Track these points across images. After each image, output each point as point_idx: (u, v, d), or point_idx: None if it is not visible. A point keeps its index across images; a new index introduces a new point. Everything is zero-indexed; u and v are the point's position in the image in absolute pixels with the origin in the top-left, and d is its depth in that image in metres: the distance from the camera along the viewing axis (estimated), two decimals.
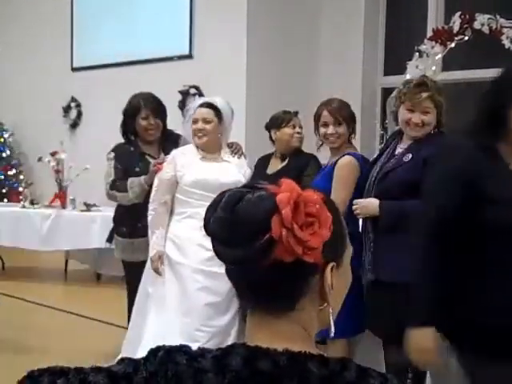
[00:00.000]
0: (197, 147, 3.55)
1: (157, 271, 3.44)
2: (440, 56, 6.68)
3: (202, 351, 0.97)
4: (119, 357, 3.46)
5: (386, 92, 6.99)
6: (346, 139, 3.27)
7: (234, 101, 6.20)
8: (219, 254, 0.99)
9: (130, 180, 3.68)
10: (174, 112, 6.67)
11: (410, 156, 2.93)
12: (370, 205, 2.96)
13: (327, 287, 0.99)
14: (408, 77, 6.68)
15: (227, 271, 1.01)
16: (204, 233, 3.00)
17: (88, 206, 6.15)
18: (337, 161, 3.21)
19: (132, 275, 3.78)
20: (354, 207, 3.01)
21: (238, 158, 3.65)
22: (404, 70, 6.76)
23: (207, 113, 3.50)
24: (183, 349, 0.98)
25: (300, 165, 3.54)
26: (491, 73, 7.02)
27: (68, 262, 6.90)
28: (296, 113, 3.77)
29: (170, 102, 6.67)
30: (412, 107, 2.93)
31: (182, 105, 7.13)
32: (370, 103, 7.13)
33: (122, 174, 3.76)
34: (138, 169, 3.76)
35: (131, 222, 3.79)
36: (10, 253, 6.75)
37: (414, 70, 6.66)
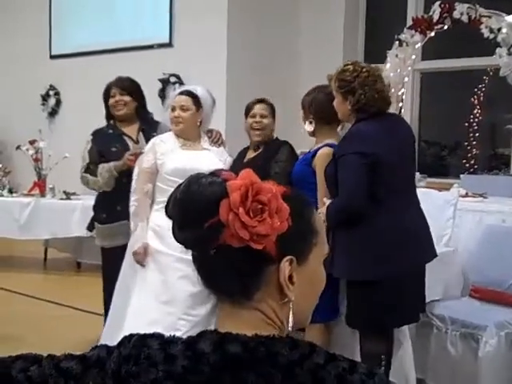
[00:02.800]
0: (176, 135, 3.53)
1: (141, 263, 3.42)
2: (420, 45, 6.71)
3: (174, 338, 0.98)
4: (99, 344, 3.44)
5: None
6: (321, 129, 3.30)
7: (214, 89, 6.18)
8: (174, 235, 1.00)
9: (101, 165, 3.68)
10: (155, 100, 6.64)
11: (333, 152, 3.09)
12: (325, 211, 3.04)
13: (283, 280, 0.99)
14: (388, 66, 6.72)
15: (191, 256, 1.02)
16: None
17: (68, 195, 6.11)
18: (317, 150, 3.25)
19: (110, 262, 3.77)
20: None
21: (218, 146, 3.63)
22: (384, 58, 6.77)
23: (185, 100, 3.48)
24: (156, 334, 0.99)
25: (270, 152, 3.49)
26: (470, 61, 7.09)
27: (47, 251, 6.86)
28: (260, 100, 3.63)
29: (151, 91, 6.62)
30: None
31: (162, 93, 7.11)
32: None
33: (97, 156, 3.75)
34: (114, 149, 3.74)
35: (110, 206, 3.76)
36: None
37: (393, 59, 6.68)
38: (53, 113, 8.31)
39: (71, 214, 5.87)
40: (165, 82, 7.13)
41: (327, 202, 3.04)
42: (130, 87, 3.85)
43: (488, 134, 8.02)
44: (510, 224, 4.27)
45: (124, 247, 3.63)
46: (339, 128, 3.38)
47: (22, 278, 6.19)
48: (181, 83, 6.98)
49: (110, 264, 3.75)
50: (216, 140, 3.63)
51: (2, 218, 6.14)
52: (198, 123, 3.54)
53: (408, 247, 2.97)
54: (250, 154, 3.62)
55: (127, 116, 3.81)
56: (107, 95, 3.85)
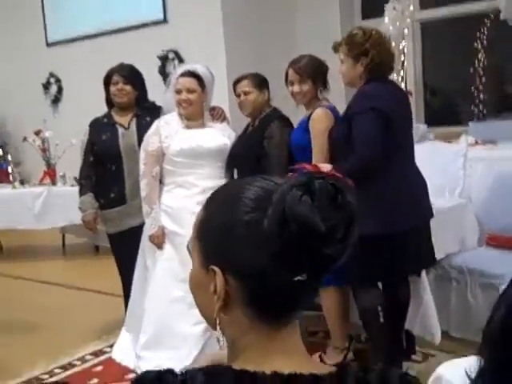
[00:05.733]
0: (180, 116, 3.52)
1: (159, 246, 3.46)
2: None
3: (186, 378, 0.90)
4: (123, 330, 3.51)
5: None
6: (313, 95, 3.31)
7: (213, 62, 6.14)
8: (326, 246, 0.87)
9: (81, 200, 3.88)
10: (155, 78, 6.62)
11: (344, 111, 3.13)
12: None
13: None
14: (386, 19, 6.62)
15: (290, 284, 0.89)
16: (198, 200, 3.00)
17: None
18: (310, 114, 3.27)
19: (115, 246, 3.85)
20: None
21: (221, 122, 3.62)
22: (382, 13, 6.69)
23: (190, 82, 3.44)
24: (166, 378, 0.91)
25: (261, 128, 3.45)
26: (470, 7, 6.96)
27: (65, 237, 6.91)
28: (241, 78, 3.56)
29: (150, 69, 6.62)
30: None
31: (163, 70, 7.07)
32: None
33: (90, 148, 3.83)
34: (104, 137, 3.79)
35: (104, 193, 3.80)
36: (6, 234, 6.75)
37: (391, 11, 6.59)
38: (56, 100, 8.28)
39: None
40: (163, 59, 7.08)
41: (327, 166, 3.06)
42: (133, 77, 3.84)
43: (494, 77, 7.93)
44: None
45: (129, 231, 3.68)
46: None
47: (42, 267, 6.27)
48: (180, 59, 6.95)
49: (117, 248, 3.82)
50: (218, 116, 3.62)
51: (17, 209, 6.16)
52: (203, 103, 3.52)
53: (414, 203, 3.05)
54: (250, 130, 3.60)
55: (126, 104, 3.81)
56: (108, 81, 3.84)
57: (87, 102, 7.27)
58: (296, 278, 0.87)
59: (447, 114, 7.81)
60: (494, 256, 3.65)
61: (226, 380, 0.86)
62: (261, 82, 3.54)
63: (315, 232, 0.84)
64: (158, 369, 0.92)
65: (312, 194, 0.86)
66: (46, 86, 8.29)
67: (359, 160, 2.92)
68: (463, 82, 7.62)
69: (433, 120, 7.12)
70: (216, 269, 0.91)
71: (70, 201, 5.88)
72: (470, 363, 0.90)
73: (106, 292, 4.97)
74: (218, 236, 0.92)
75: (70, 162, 6.06)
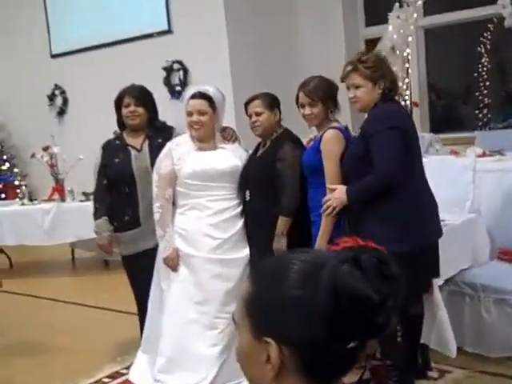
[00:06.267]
0: (192, 138, 3.53)
1: (174, 269, 3.47)
2: (420, 2, 6.61)
3: None
4: (139, 352, 3.51)
5: (370, 43, 6.98)
6: (324, 117, 3.32)
7: (218, 72, 6.18)
8: (381, 315, 0.93)
9: (96, 224, 3.79)
10: (160, 89, 6.63)
11: (359, 131, 3.16)
12: (341, 195, 3.07)
13: None
14: (390, 28, 6.63)
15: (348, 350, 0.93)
16: (209, 222, 3.05)
17: (87, 195, 6.13)
18: (322, 135, 3.28)
19: (130, 268, 3.82)
20: (327, 203, 3.10)
21: (233, 142, 3.62)
22: (384, 19, 6.69)
23: (201, 104, 3.45)
24: None
25: (273, 149, 3.43)
26: (473, 12, 6.94)
27: (74, 252, 6.93)
28: (252, 98, 3.53)
29: (155, 80, 6.64)
30: (347, 84, 3.14)
31: (168, 81, 7.10)
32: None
33: (103, 172, 3.80)
34: (117, 159, 3.76)
35: (118, 216, 3.78)
36: (16, 250, 6.76)
37: (395, 20, 6.59)
38: (61, 112, 8.31)
39: None
40: (168, 70, 7.11)
41: (341, 187, 3.08)
42: (144, 98, 3.82)
43: (498, 80, 7.93)
44: None
45: (143, 253, 3.69)
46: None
47: (52, 283, 6.27)
48: (184, 69, 6.97)
49: (131, 270, 3.80)
50: (230, 137, 3.62)
51: (26, 225, 6.20)
52: (215, 124, 3.53)
53: (429, 220, 3.11)
54: (261, 150, 3.60)
55: (139, 126, 3.81)
56: (120, 103, 3.84)
57: (93, 114, 7.30)
58: (349, 346, 0.92)
59: (452, 119, 7.82)
60: (507, 271, 3.66)
61: None
62: (272, 102, 3.53)
63: (369, 303, 0.90)
64: None
65: (361, 268, 0.92)
66: (51, 98, 8.32)
67: (380, 179, 2.96)
68: (467, 87, 7.63)
69: (438, 126, 7.14)
70: (270, 340, 0.94)
71: (79, 216, 5.91)
72: None
73: (119, 310, 4.96)
74: (270, 311, 0.96)
75: (78, 177, 6.09)
